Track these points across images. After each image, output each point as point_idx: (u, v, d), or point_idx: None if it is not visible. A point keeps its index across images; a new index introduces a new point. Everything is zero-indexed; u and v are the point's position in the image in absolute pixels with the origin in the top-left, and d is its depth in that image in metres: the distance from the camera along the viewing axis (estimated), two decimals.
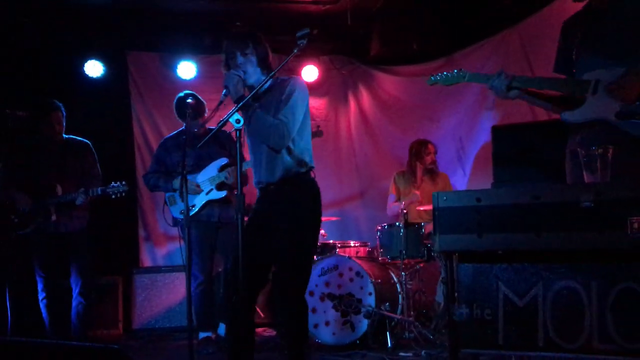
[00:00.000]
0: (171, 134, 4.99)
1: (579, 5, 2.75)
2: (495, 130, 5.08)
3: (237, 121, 2.64)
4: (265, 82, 3.00)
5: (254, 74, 3.06)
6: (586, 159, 2.16)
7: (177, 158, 4.74)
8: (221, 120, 2.74)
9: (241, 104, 2.76)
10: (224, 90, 2.91)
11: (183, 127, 4.86)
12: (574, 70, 2.67)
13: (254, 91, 2.92)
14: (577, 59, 2.66)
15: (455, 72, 2.72)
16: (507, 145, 4.88)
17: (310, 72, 6.56)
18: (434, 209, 2.18)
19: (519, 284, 2.09)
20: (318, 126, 5.37)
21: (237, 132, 2.65)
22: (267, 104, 3.05)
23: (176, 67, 6.25)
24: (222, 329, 4.85)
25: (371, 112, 6.74)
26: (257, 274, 3.05)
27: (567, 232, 1.99)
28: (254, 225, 3.12)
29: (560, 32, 2.82)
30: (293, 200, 3.04)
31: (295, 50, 2.65)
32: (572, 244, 1.99)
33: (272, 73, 2.87)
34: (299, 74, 6.53)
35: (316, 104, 6.80)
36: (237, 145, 2.65)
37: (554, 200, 2.01)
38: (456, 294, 2.17)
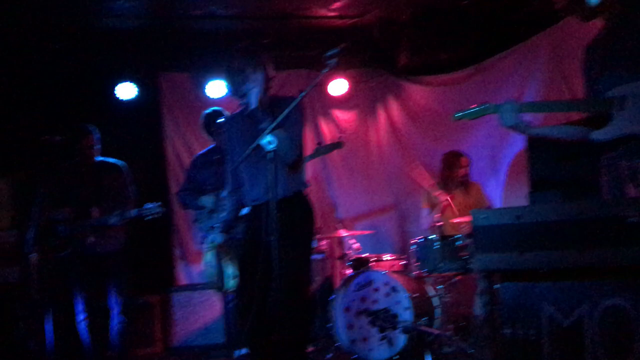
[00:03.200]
0: (202, 152, 5.01)
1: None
2: (531, 139, 5.02)
3: (269, 142, 2.64)
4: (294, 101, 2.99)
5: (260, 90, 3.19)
6: (630, 172, 2.10)
7: (206, 175, 4.76)
8: (255, 142, 2.73)
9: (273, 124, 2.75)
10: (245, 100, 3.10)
11: (214, 145, 4.90)
12: (599, 87, 2.58)
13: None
14: (600, 78, 2.57)
15: (481, 106, 2.67)
16: (543, 154, 4.81)
17: (338, 86, 6.54)
18: (473, 228, 2.14)
19: (564, 303, 2.03)
20: (340, 136, 5.36)
21: (272, 153, 2.64)
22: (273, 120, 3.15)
23: (205, 87, 6.30)
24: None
25: (401, 124, 6.66)
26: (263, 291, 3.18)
27: (612, 248, 1.93)
28: (251, 242, 3.24)
29: (584, 56, 2.73)
30: (294, 217, 3.15)
31: (326, 70, 2.63)
32: (617, 260, 1.93)
33: (307, 90, 2.83)
34: (326, 89, 6.52)
35: (345, 116, 6.78)
36: (270, 167, 2.64)
37: (597, 216, 1.96)
38: (498, 314, 2.12)
